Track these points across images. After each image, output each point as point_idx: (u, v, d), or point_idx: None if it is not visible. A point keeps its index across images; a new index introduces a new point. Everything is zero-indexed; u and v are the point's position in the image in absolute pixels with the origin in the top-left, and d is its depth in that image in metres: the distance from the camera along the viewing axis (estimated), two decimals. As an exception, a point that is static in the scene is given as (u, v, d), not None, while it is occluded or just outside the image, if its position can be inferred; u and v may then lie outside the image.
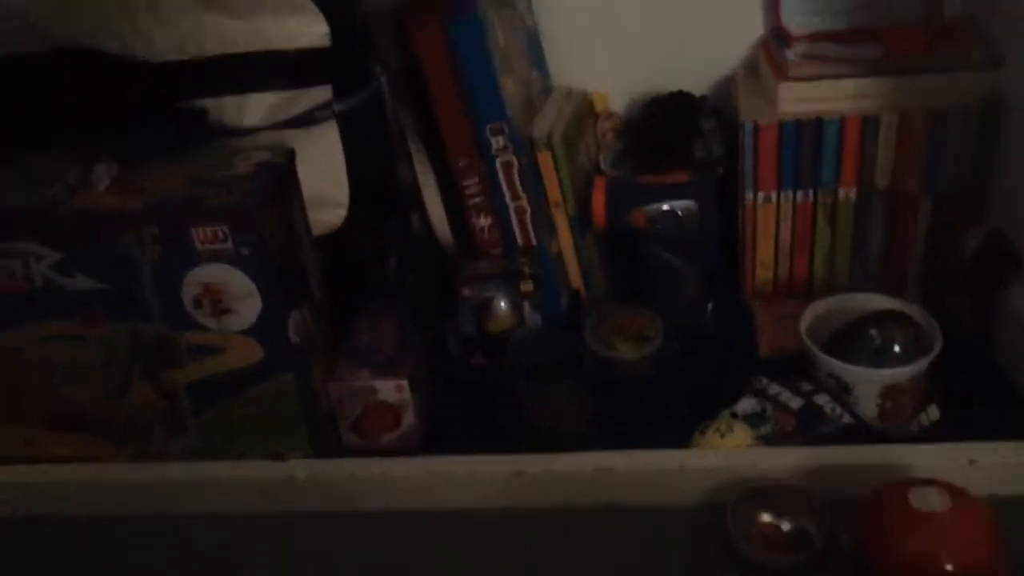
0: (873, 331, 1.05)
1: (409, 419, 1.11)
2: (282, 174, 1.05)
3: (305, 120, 1.13)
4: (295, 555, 1.02)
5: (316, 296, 1.11)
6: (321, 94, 1.13)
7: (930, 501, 0.83)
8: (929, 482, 0.85)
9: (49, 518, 1.09)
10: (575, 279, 1.29)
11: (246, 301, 0.99)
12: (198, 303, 0.99)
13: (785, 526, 0.96)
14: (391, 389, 1.10)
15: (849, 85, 1.16)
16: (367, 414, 1.11)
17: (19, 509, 1.10)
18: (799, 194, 1.20)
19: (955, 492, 0.84)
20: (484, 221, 1.24)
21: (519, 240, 1.24)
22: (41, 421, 1.09)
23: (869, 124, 1.15)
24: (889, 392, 1.02)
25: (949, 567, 0.80)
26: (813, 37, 1.21)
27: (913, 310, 1.07)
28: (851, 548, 0.87)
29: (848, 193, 1.19)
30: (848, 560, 0.88)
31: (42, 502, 1.09)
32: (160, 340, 1.02)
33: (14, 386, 1.07)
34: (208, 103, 1.11)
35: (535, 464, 1.03)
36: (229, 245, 0.95)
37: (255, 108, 1.11)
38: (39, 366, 1.05)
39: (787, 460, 1.00)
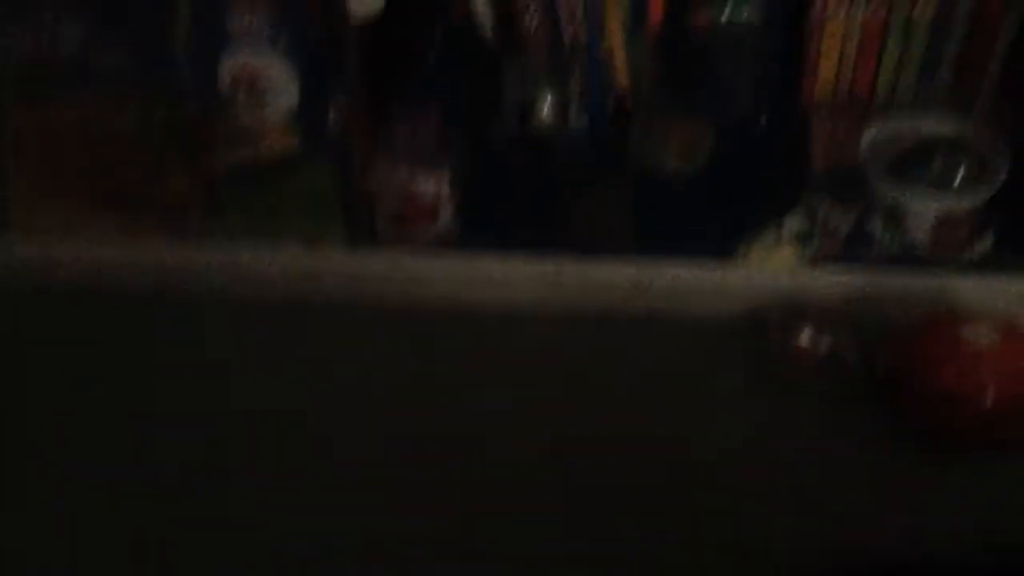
0: (937, 156, 1.00)
1: (447, 213, 1.10)
2: (322, -45, 0.98)
3: None
4: (326, 342, 1.03)
5: (355, 86, 1.07)
6: None
7: (978, 334, 0.81)
8: (978, 315, 0.84)
9: (84, 293, 1.09)
10: (624, 80, 1.23)
11: (285, 88, 0.95)
12: (235, 88, 0.96)
13: (823, 346, 0.96)
14: (430, 182, 1.07)
15: None
16: (405, 206, 1.09)
17: (56, 283, 1.10)
18: (872, 2, 1.12)
19: (1005, 328, 0.82)
20: (532, 14, 1.17)
21: (567, 36, 1.17)
22: (80, 196, 1.08)
23: (961, -75, 1.05)
24: (945, 220, 0.99)
25: (989, 401, 0.80)
26: None
27: (981, 136, 1.02)
28: (889, 373, 0.87)
29: (925, 4, 1.11)
30: (884, 384, 0.88)
31: (79, 277, 1.10)
32: (196, 122, 1.00)
33: (51, 160, 1.05)
34: None
35: (574, 270, 1.02)
36: (266, 30, 0.91)
37: None
38: (76, 139, 1.03)
39: (832, 281, 0.98)
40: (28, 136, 1.04)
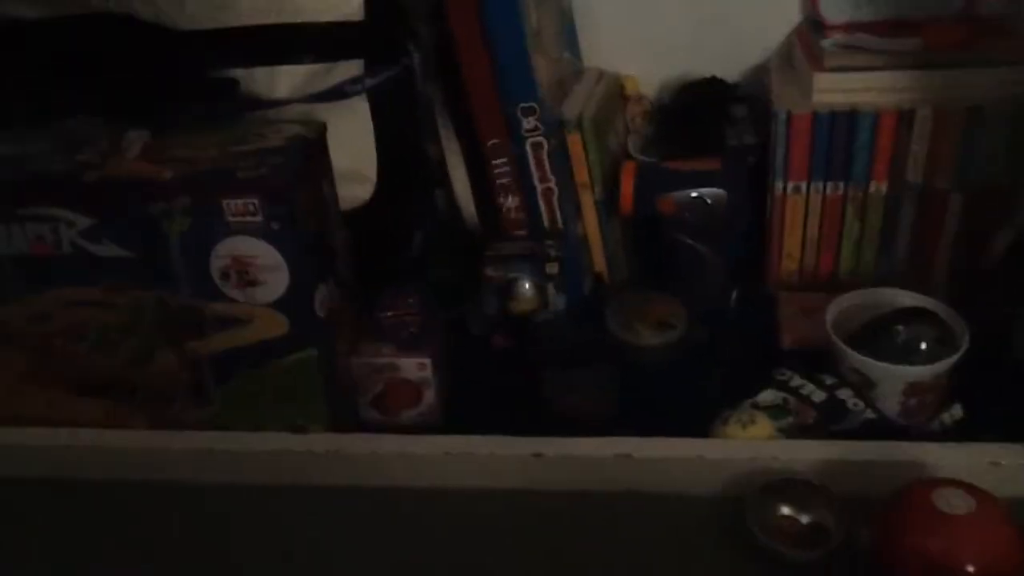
0: (900, 327, 1.04)
1: (430, 397, 1.12)
2: (314, 148, 1.04)
3: (336, 94, 1.13)
4: (312, 528, 1.02)
5: (342, 271, 1.11)
6: (352, 68, 1.13)
7: (954, 503, 0.83)
8: (953, 483, 0.85)
9: (68, 482, 1.09)
10: (599, 263, 1.29)
11: (274, 274, 0.99)
12: (225, 275, 0.99)
13: (804, 520, 0.96)
14: (413, 367, 1.10)
15: (886, 78, 1.14)
16: (388, 391, 1.12)
17: (39, 472, 1.10)
18: (829, 186, 1.19)
19: (979, 494, 0.83)
20: (511, 201, 1.23)
21: (545, 222, 1.24)
22: (65, 385, 1.10)
23: (904, 118, 1.13)
24: (913, 389, 1.02)
25: (971, 569, 0.80)
26: (850, 27, 1.19)
27: (941, 308, 1.07)
28: (870, 545, 0.87)
29: (879, 187, 1.18)
30: (866, 557, 0.88)
31: (62, 466, 1.10)
32: (186, 310, 1.02)
33: (40, 350, 1.07)
34: (239, 74, 1.10)
35: (554, 447, 1.03)
36: (260, 219, 0.95)
37: (286, 80, 1.11)
38: (65, 330, 1.06)
39: (808, 453, 1.00)
40: (15, 325, 1.06)
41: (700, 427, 1.04)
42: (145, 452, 1.09)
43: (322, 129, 1.07)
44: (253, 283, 1.00)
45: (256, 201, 0.95)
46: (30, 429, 1.12)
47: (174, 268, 1.00)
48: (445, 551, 0.99)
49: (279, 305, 1.01)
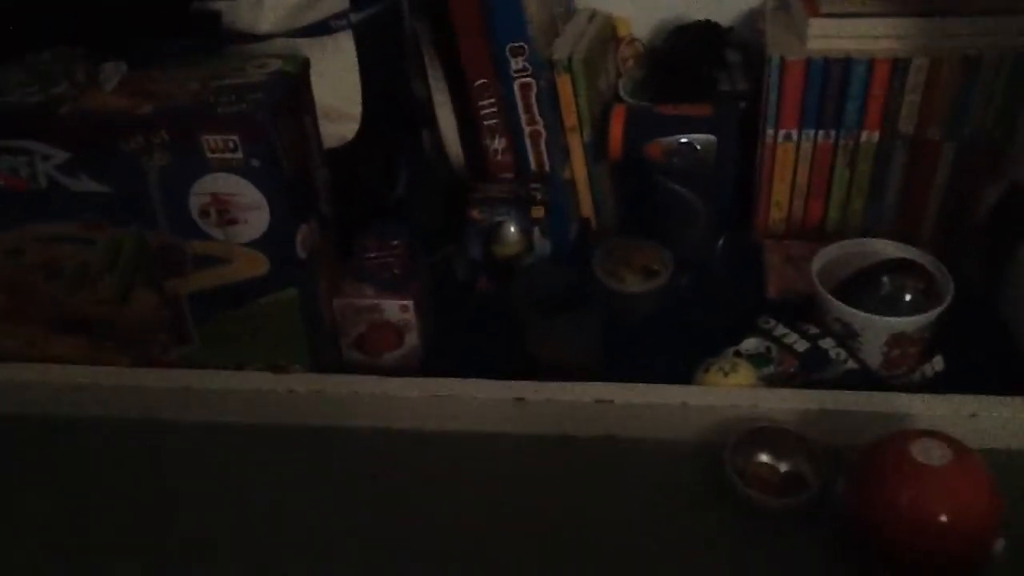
0: (885, 279, 1.04)
1: (412, 340, 1.11)
2: (296, 85, 1.02)
3: (320, 29, 1.10)
4: (291, 467, 1.02)
5: (324, 211, 1.10)
6: (338, 3, 1.10)
7: (931, 453, 0.83)
8: (931, 434, 0.85)
9: (48, 419, 1.09)
10: (586, 208, 1.27)
11: (254, 213, 0.97)
12: (205, 213, 0.98)
13: (782, 468, 0.97)
14: (396, 309, 1.09)
15: (882, 24, 1.12)
16: (370, 332, 1.11)
17: (18, 409, 1.10)
18: (820, 134, 1.17)
19: (956, 446, 0.84)
20: (498, 143, 1.22)
21: (532, 165, 1.22)
22: (44, 322, 1.09)
23: (899, 67, 1.12)
24: (896, 340, 1.02)
25: (944, 519, 0.80)
26: (848, -29, 1.17)
27: (927, 260, 1.06)
28: (847, 494, 0.88)
29: (871, 136, 1.17)
30: (843, 506, 0.89)
31: (42, 403, 1.10)
32: (165, 248, 1.01)
33: (17, 286, 1.06)
34: (221, 6, 1.08)
35: (536, 392, 1.03)
36: (239, 155, 0.94)
37: (269, 13, 1.08)
38: (42, 267, 1.04)
39: (789, 402, 1.00)
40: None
41: (683, 374, 1.04)
42: (124, 389, 1.09)
43: (305, 64, 1.04)
44: (233, 222, 0.98)
45: (235, 138, 0.93)
46: (7, 366, 1.11)
47: (153, 205, 0.98)
48: (424, 493, 0.99)
49: (259, 244, 0.99)
